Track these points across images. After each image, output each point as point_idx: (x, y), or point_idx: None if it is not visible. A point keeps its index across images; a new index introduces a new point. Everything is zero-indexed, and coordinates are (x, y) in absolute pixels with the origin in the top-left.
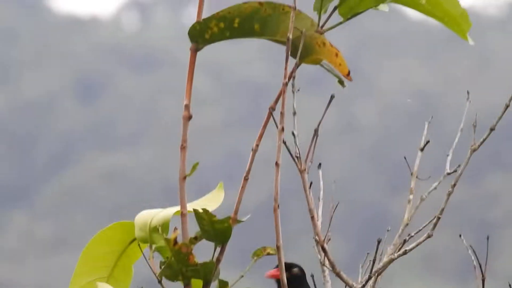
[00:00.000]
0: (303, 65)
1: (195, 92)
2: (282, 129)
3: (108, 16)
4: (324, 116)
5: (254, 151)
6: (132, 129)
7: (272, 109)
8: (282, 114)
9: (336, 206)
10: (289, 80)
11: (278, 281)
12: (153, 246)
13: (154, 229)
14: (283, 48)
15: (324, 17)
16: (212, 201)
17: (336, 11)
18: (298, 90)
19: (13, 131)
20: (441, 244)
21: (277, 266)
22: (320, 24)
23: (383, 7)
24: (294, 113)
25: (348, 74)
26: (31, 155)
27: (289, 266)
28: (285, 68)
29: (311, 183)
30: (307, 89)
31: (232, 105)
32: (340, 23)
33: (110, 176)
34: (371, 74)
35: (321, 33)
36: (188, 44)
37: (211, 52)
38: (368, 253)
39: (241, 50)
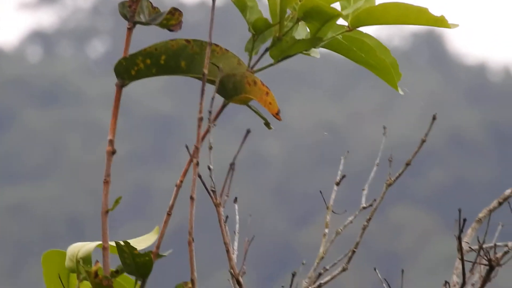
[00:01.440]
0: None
1: (101, 125)
2: (197, 163)
3: (11, 47)
4: (235, 151)
5: (178, 186)
6: (37, 162)
7: (192, 146)
8: (197, 148)
9: (252, 240)
10: (216, 117)
11: None
12: (80, 277)
13: (79, 261)
14: (189, 83)
15: (255, 58)
16: (143, 242)
17: (267, 53)
18: (215, 125)
19: None
20: (354, 276)
21: None
22: (251, 65)
23: (314, 52)
24: (210, 148)
25: (278, 113)
26: None
27: None
28: (200, 103)
29: (227, 217)
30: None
31: (138, 139)
32: (271, 65)
33: (15, 210)
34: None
35: (252, 73)
36: (91, 77)
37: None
38: (282, 286)
39: (147, 84)
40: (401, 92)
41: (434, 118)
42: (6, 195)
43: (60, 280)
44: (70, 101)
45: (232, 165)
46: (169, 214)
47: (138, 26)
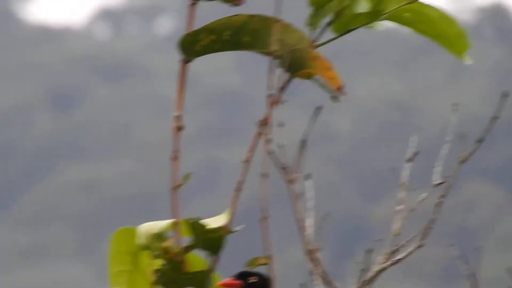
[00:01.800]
0: (275, 75)
1: (169, 102)
2: (269, 140)
3: (80, 26)
4: (306, 127)
5: (246, 163)
6: (106, 139)
7: (261, 122)
8: (268, 125)
9: (326, 216)
10: (280, 92)
11: None
12: (154, 254)
13: (152, 238)
14: (257, 59)
15: (317, 32)
16: (214, 223)
17: (329, 27)
18: (286, 102)
19: None
20: (428, 253)
21: (233, 276)
22: (313, 40)
23: (377, 26)
24: (281, 125)
25: (340, 88)
26: (7, 165)
27: (247, 275)
28: (270, 80)
29: (300, 193)
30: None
31: (208, 116)
32: (333, 39)
33: (85, 187)
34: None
35: (314, 48)
36: (159, 54)
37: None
38: (357, 263)
39: (217, 60)
40: (468, 62)
41: (505, 95)
42: (76, 173)
43: (127, 259)
44: (139, 78)
45: (303, 142)
46: (238, 190)
47: (202, 2)
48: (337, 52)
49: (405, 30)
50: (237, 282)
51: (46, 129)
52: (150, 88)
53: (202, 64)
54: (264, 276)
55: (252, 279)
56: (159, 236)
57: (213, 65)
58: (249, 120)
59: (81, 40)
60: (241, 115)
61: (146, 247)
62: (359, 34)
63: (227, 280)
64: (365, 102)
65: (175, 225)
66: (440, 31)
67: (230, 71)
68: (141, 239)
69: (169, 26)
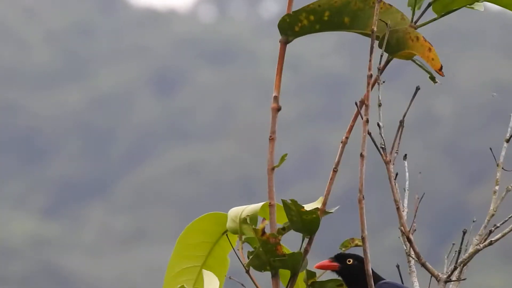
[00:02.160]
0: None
1: (272, 85)
2: (367, 120)
3: (185, 9)
4: (404, 108)
5: (344, 143)
6: (209, 121)
7: (360, 103)
8: (367, 106)
9: (422, 197)
10: (380, 73)
11: (338, 272)
12: (243, 237)
13: (243, 221)
14: (359, 41)
15: (417, 13)
16: (311, 205)
17: (430, 8)
18: (384, 82)
19: (91, 125)
20: None
21: (330, 258)
22: (414, 20)
23: (478, 6)
24: (380, 105)
25: (441, 69)
26: (108, 148)
27: (344, 257)
28: (370, 61)
29: (396, 174)
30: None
31: (309, 98)
32: (434, 19)
33: (187, 169)
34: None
35: (415, 29)
36: (263, 37)
37: (288, 44)
38: (453, 244)
39: (319, 42)
40: None
41: None
42: (178, 156)
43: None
44: (243, 60)
45: (401, 122)
46: (335, 171)
47: None
48: (438, 34)
49: (508, 11)
50: (334, 264)
51: (150, 112)
52: (254, 71)
53: (305, 46)
54: (360, 258)
55: (349, 261)
56: (251, 219)
57: (315, 47)
58: (350, 102)
59: (186, 23)
60: (343, 97)
61: (235, 231)
62: (461, 15)
63: (323, 262)
64: (467, 84)
65: (270, 206)
66: None
67: (332, 53)
68: (230, 223)
69: (274, 9)
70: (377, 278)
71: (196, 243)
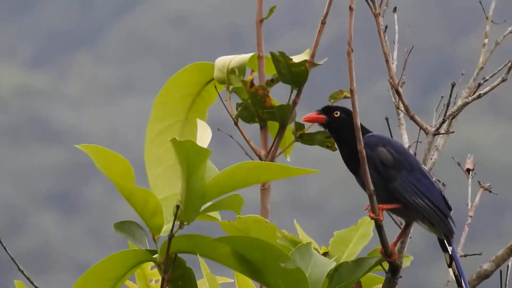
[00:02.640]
0: None
1: None
2: None
3: None
4: None
5: None
6: None
7: None
8: None
9: (411, 50)
10: None
11: (324, 125)
12: (230, 88)
13: (231, 71)
14: None
15: None
16: (299, 57)
17: None
18: None
19: None
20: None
21: (317, 110)
22: None
23: None
24: None
25: None
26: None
27: (332, 109)
28: None
29: (386, 27)
30: None
31: None
32: None
33: (176, 21)
34: None
35: None
36: None
37: None
38: (442, 97)
39: None
40: None
41: None
42: (168, 5)
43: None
44: None
45: None
46: (323, 23)
47: None
48: None
49: None
50: (321, 116)
51: None
52: None
53: None
54: (348, 111)
55: (336, 114)
56: (240, 70)
57: None
58: None
59: None
60: None
61: (222, 81)
62: None
63: (311, 114)
64: None
65: (259, 58)
66: None
67: None
68: (218, 73)
69: None
70: (364, 131)
71: (178, 97)
